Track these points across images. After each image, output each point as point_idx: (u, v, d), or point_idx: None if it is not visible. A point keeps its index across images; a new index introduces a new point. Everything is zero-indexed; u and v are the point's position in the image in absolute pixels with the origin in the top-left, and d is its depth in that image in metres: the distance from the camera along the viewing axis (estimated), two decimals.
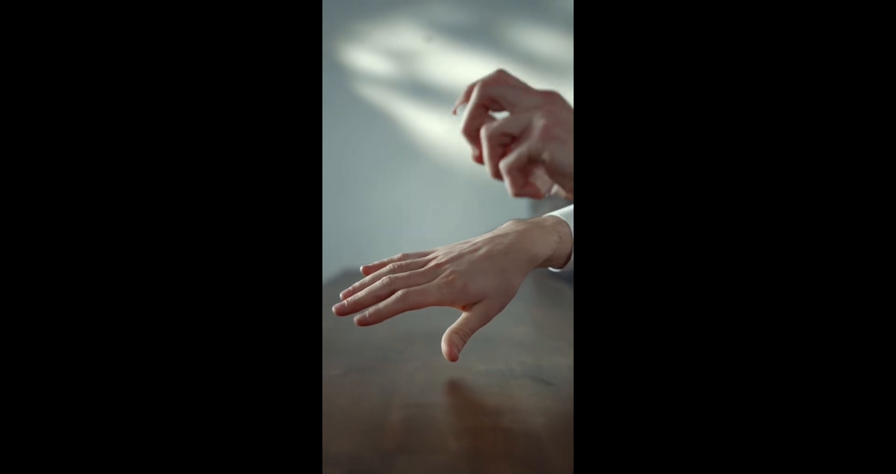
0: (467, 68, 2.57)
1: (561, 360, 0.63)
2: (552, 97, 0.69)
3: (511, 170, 0.69)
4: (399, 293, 0.56)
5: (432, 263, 0.59)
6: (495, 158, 0.70)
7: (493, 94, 0.69)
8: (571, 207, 0.63)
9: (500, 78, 0.70)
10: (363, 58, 2.63)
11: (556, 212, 0.63)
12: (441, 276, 0.57)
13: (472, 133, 0.72)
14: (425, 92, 2.60)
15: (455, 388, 0.54)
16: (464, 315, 0.58)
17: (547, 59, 2.56)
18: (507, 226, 0.62)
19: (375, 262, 0.63)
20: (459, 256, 0.58)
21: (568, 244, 0.60)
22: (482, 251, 0.58)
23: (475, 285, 0.56)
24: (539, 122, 0.66)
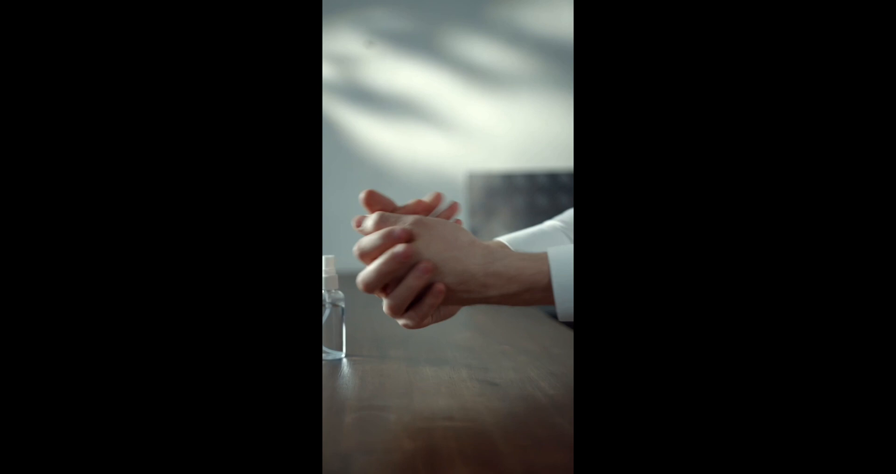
0: (408, 74, 2.59)
1: (506, 362, 0.65)
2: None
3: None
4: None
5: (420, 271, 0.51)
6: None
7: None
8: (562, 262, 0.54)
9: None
10: None
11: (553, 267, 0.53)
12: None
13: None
14: (366, 97, 2.61)
15: (406, 391, 0.55)
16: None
17: (484, 68, 2.60)
18: (500, 274, 0.52)
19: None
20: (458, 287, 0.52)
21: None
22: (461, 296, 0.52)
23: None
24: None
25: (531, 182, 2.49)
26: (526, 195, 2.49)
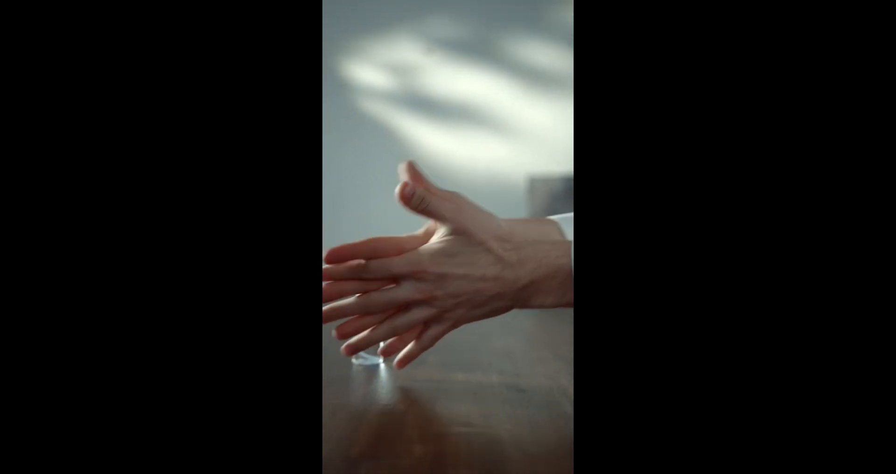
0: (467, 79, 2.59)
1: (540, 369, 0.65)
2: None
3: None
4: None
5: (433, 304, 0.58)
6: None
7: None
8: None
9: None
10: (363, 72, 2.67)
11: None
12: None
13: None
14: (425, 105, 2.63)
15: (431, 396, 0.56)
16: None
17: (545, 71, 2.59)
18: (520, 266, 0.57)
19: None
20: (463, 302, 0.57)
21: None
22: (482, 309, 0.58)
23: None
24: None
25: None
26: None
